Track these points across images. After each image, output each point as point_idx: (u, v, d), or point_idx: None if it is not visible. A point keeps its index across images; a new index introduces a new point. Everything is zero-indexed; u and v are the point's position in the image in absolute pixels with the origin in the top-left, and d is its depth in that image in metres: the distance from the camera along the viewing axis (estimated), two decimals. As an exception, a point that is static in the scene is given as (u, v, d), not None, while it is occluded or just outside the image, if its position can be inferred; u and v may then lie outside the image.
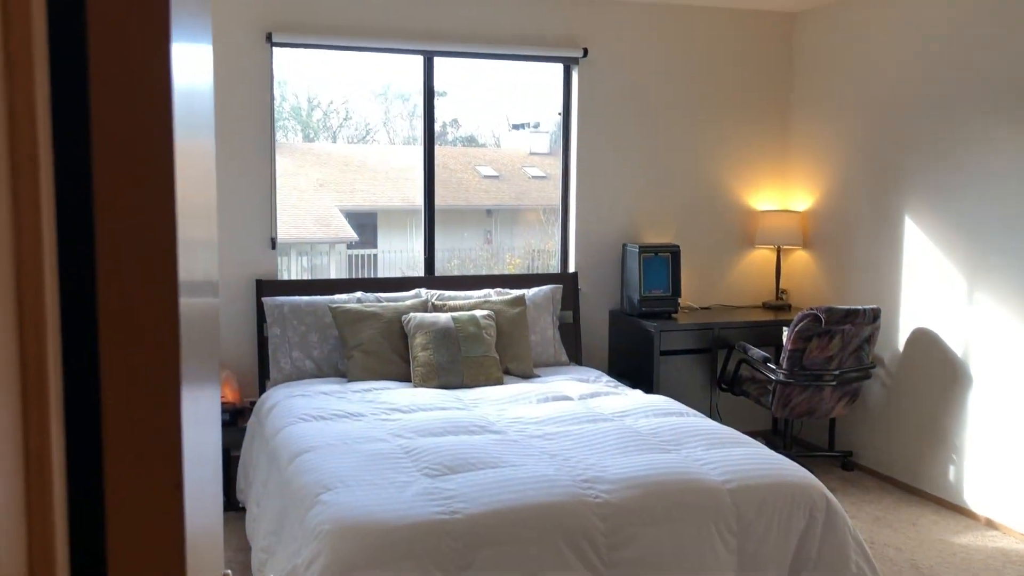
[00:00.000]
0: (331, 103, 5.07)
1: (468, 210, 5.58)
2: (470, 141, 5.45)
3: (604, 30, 5.05)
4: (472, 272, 5.28)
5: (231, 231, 4.48)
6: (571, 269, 5.17)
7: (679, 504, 2.88)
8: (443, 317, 4.33)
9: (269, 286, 4.50)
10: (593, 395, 4.04)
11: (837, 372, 4.50)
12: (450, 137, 5.21)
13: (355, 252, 5.32)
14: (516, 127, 5.51)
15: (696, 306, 5.30)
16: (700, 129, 5.28)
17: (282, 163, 4.77)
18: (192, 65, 0.85)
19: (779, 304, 5.36)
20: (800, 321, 4.40)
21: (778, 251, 5.43)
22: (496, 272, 5.28)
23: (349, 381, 4.21)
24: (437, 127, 4.91)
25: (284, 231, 4.80)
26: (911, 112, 4.52)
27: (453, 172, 5.28)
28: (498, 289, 4.80)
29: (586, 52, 4.99)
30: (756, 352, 4.67)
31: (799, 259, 5.41)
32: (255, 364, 4.51)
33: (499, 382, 4.24)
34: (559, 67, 5.12)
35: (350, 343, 4.28)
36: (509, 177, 5.63)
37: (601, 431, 3.41)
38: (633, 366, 4.95)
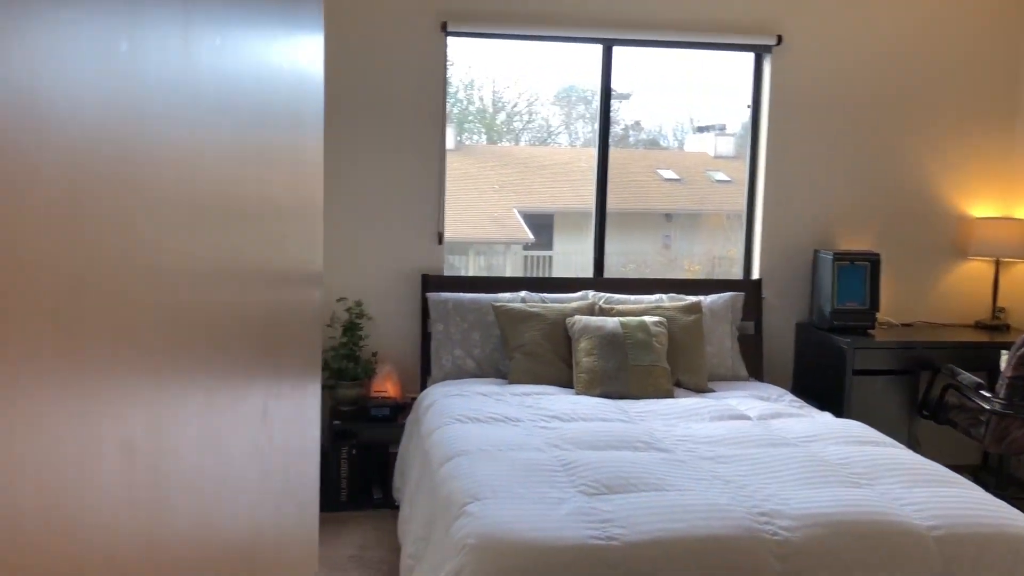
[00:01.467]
0: (515, 105, 5.07)
1: (647, 214, 5.41)
2: (652, 144, 5.30)
3: (801, 14, 4.61)
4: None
5: (398, 224, 4.40)
6: (754, 276, 4.76)
7: (874, 550, 2.47)
8: (610, 322, 4.06)
9: (435, 282, 4.39)
10: (775, 415, 3.64)
11: (1068, 406, 3.86)
12: (631, 140, 5.10)
13: (530, 253, 5.29)
14: (701, 129, 5.28)
15: (895, 322, 4.75)
16: (908, 124, 4.73)
17: (465, 164, 4.77)
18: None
19: (995, 324, 4.71)
20: (1024, 345, 3.81)
21: (996, 264, 4.78)
22: (671, 277, 4.94)
23: (509, 383, 4.02)
24: (619, 130, 4.77)
25: (462, 231, 4.78)
26: None
27: (633, 175, 5.14)
28: (672, 295, 4.47)
29: (780, 39, 4.57)
30: (967, 377, 4.09)
31: (1022, 274, 4.74)
32: (417, 359, 4.40)
33: (668, 395, 3.92)
34: (749, 57, 4.73)
35: (512, 343, 4.09)
36: (691, 181, 5.44)
37: (783, 457, 3.03)
38: (821, 385, 4.48)
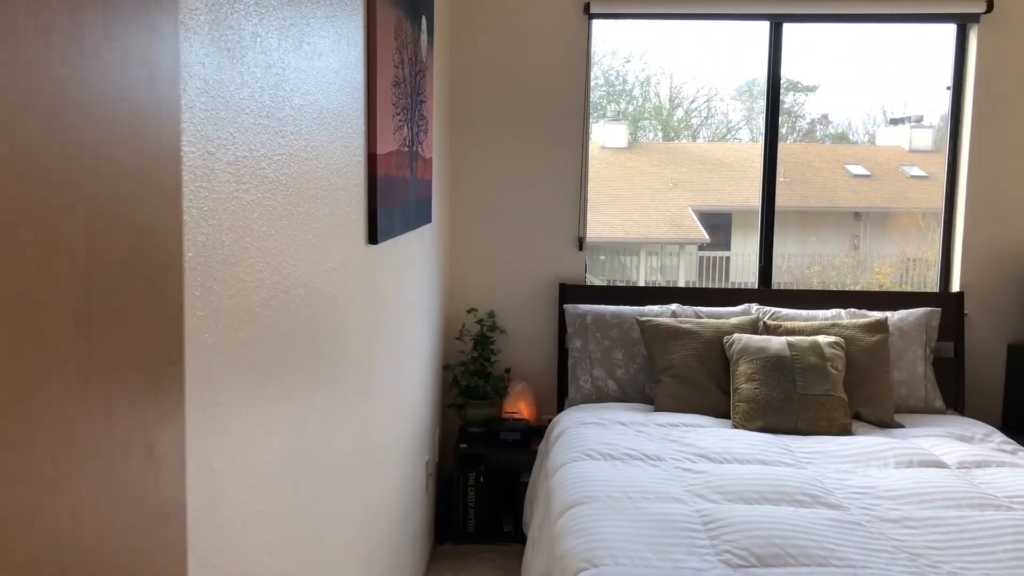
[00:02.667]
0: (693, 101, 4.88)
1: (834, 212, 5.11)
2: (841, 138, 4.96)
3: (1019, -26, 3.83)
4: (832, 284, 4.47)
5: (535, 228, 4.01)
6: (954, 288, 4.02)
7: None
8: (776, 341, 3.48)
9: (573, 292, 3.96)
10: (980, 463, 2.96)
11: None
12: (819, 135, 4.82)
13: (706, 254, 5.10)
14: (894, 121, 4.86)
15: None
16: None
17: (638, 162, 4.64)
18: None
19: None
20: None
21: None
22: (854, 288, 4.28)
23: (655, 410, 3.53)
24: (804, 124, 4.55)
25: (635, 230, 4.65)
26: None
27: (818, 171, 4.87)
28: (852, 310, 3.82)
29: (990, 6, 3.82)
30: None
31: None
32: (554, 378, 3.99)
33: (845, 431, 3.30)
34: (950, 30, 3.99)
35: (659, 365, 3.59)
36: (883, 176, 5.06)
37: (992, 525, 2.39)
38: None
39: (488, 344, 3.90)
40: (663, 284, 4.54)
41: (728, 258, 5.15)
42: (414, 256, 3.06)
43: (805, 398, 3.31)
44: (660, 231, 4.98)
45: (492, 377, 3.87)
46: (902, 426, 3.43)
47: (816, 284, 4.69)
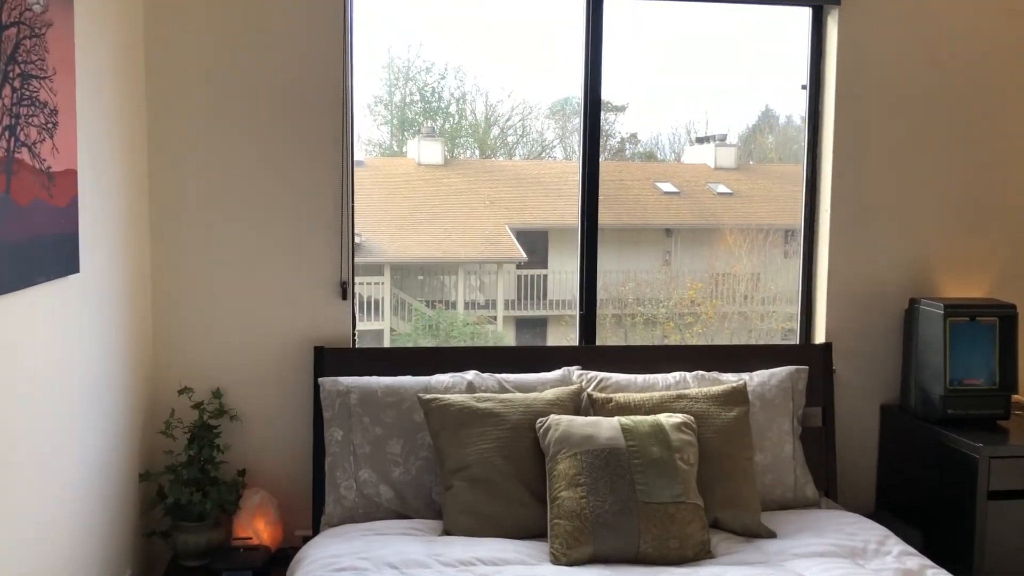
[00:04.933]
0: (508, 120, 4.86)
1: (646, 229, 5.15)
2: (649, 157, 5.05)
3: (886, -53, 3.11)
4: (647, 301, 4.48)
5: (278, 273, 2.88)
6: (818, 338, 3.23)
7: None
8: (606, 426, 2.52)
9: (335, 358, 2.86)
10: (890, 600, 2.10)
11: None
12: (628, 153, 4.90)
13: (525, 272, 5.02)
14: (700, 140, 4.94)
15: (1028, 402, 3.22)
16: (1041, 112, 3.22)
17: (456, 180, 4.63)
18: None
19: None
20: None
21: None
22: (698, 342, 3.42)
23: (445, 531, 2.49)
24: (615, 143, 4.60)
25: (452, 250, 4.60)
26: None
27: (630, 188, 4.96)
28: (699, 373, 2.93)
29: (852, -13, 3.08)
30: None
31: None
32: (310, 481, 2.85)
33: (703, 552, 2.39)
34: (804, 14, 3.23)
35: (450, 463, 2.55)
36: (691, 193, 5.18)
37: None
38: (930, 510, 2.94)
39: (211, 438, 2.73)
40: (463, 345, 3.53)
41: (546, 276, 5.00)
42: (40, 325, 1.89)
43: (649, 508, 2.37)
44: (477, 250, 4.82)
45: (218, 485, 2.70)
46: (773, 534, 2.55)
47: (631, 301, 4.78)
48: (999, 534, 2.73)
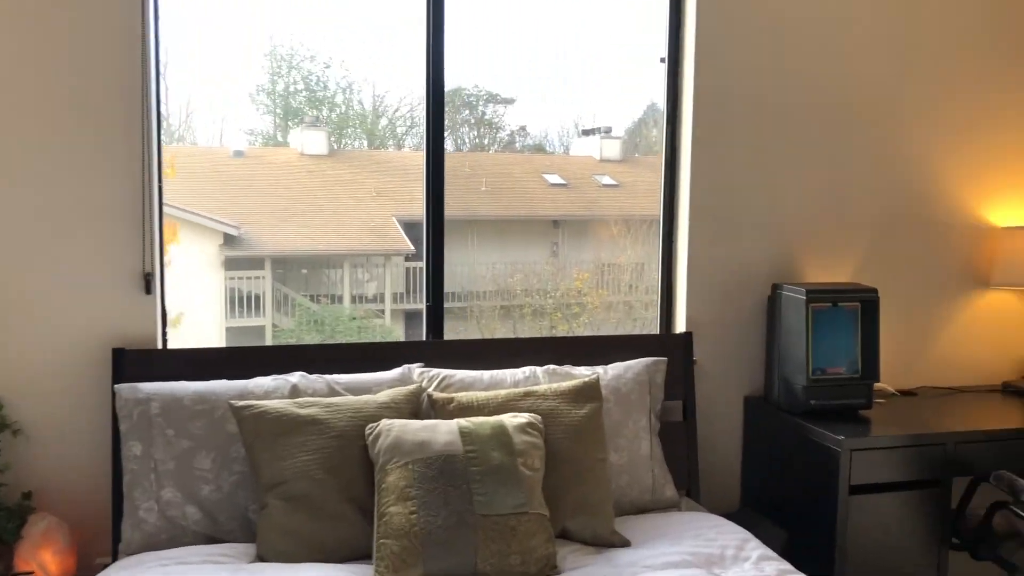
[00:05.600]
0: (396, 110, 4.76)
1: (534, 220, 5.14)
2: (538, 149, 5.08)
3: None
4: (535, 292, 4.50)
5: (69, 265, 2.50)
6: (679, 327, 3.06)
7: None
8: (444, 430, 2.26)
9: (136, 362, 2.50)
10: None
11: None
12: (518, 145, 4.92)
13: (413, 264, 4.84)
14: (586, 132, 4.90)
15: (892, 390, 3.13)
16: (905, 106, 3.12)
17: (342, 171, 4.51)
18: None
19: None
20: None
21: (1032, 297, 3.22)
22: (557, 332, 3.21)
23: (258, 557, 2.18)
24: (504, 135, 4.66)
25: (337, 242, 4.44)
26: None
27: (518, 180, 4.98)
28: (551, 367, 2.70)
29: (710, -46, 2.89)
30: (1039, 497, 2.47)
31: (1068, 311, 3.19)
32: (107, 505, 2.48)
33: (549, 569, 2.15)
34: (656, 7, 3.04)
35: (266, 478, 2.24)
36: (578, 185, 5.16)
37: None
38: (794, 506, 2.80)
39: (-14, 457, 2.34)
40: (291, 344, 3.21)
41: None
42: None
43: (487, 522, 2.11)
44: (364, 242, 4.68)
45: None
46: (627, 543, 2.34)
47: (519, 292, 4.73)
48: (862, 530, 2.61)
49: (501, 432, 2.27)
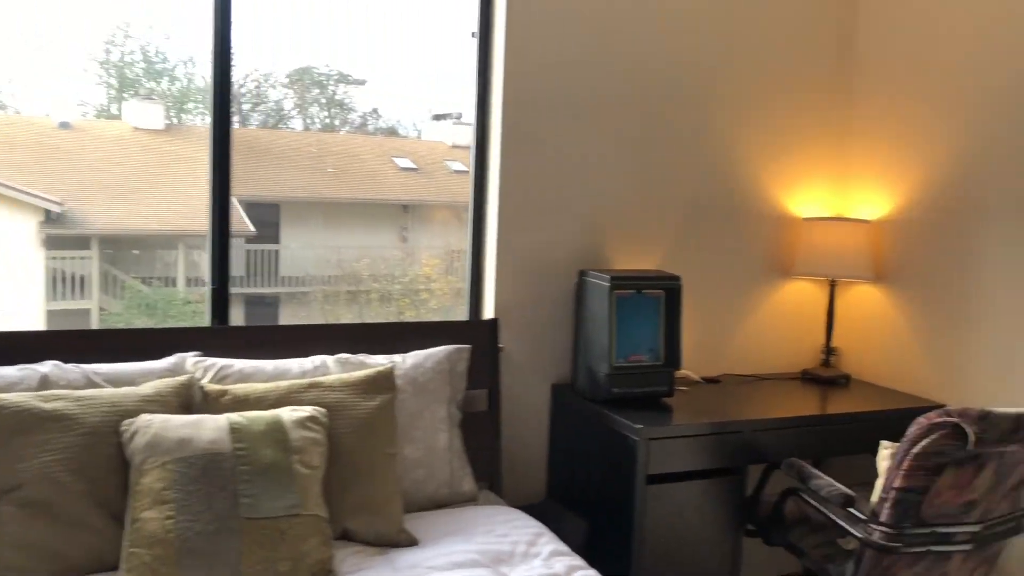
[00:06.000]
0: (243, 86, 4.58)
1: (383, 205, 5.17)
2: (391, 132, 5.13)
3: None
4: (383, 278, 4.61)
5: None
6: (487, 314, 2.95)
7: None
8: (211, 425, 2.05)
9: None
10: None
11: (978, 527, 2.38)
12: (371, 128, 4.97)
13: (255, 247, 4.84)
14: (437, 117, 4.96)
15: (696, 377, 3.14)
16: (717, 92, 3.12)
17: (180, 147, 4.31)
18: None
19: (829, 376, 3.23)
20: (925, 436, 2.26)
21: (831, 286, 3.31)
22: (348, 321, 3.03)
23: (-15, 573, 1.92)
24: (356, 116, 4.70)
25: (173, 221, 4.29)
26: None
27: (366, 163, 4.99)
28: (343, 356, 2.53)
29: (521, -73, 2.78)
30: (825, 484, 2.51)
31: (865, 300, 3.30)
32: None
33: (323, 574, 1.99)
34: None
35: (0, 482, 1.97)
36: (429, 170, 5.26)
37: None
38: (593, 493, 2.75)
39: None
40: (44, 330, 2.90)
41: (278, 251, 4.88)
42: None
43: (254, 526, 1.93)
44: (201, 222, 4.21)
45: None
46: (415, 542, 2.21)
47: (367, 278, 4.69)
48: (660, 519, 2.59)
49: (276, 427, 2.09)
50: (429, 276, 4.80)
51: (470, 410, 2.73)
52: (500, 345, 2.85)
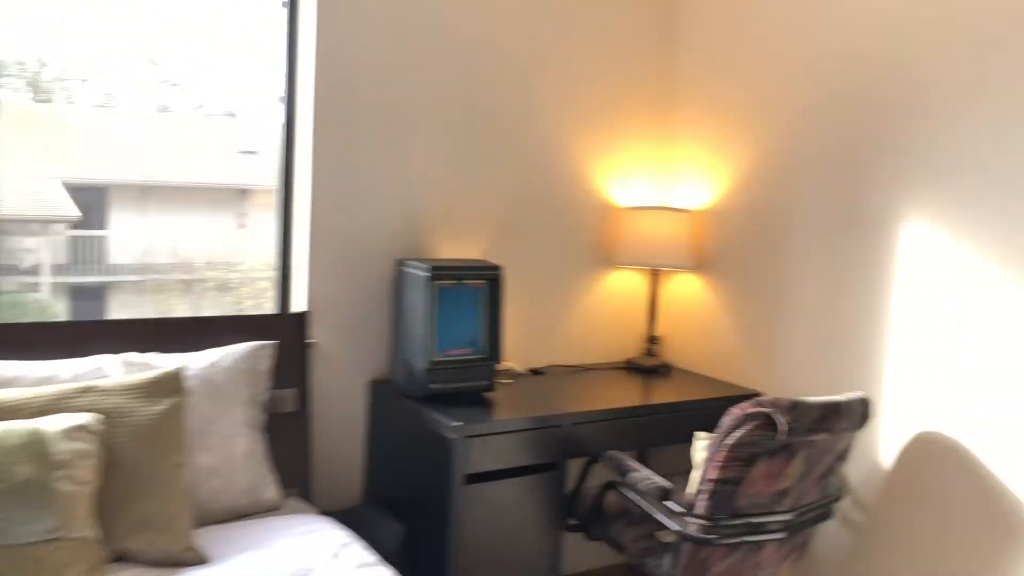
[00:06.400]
0: (70, 60, 4.04)
1: (220, 189, 4.78)
2: (230, 114, 4.55)
3: None
4: (220, 267, 3.89)
5: None
6: (297, 306, 2.75)
7: None
8: (-46, 440, 1.77)
9: None
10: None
11: (790, 515, 2.41)
12: (208, 109, 4.36)
13: (80, 233, 4.41)
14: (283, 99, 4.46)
15: (520, 369, 3.05)
16: (539, 78, 3.03)
17: None
18: None
19: (652, 365, 3.22)
20: (738, 426, 2.25)
21: (653, 275, 3.30)
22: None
23: None
24: (190, 97, 4.09)
25: None
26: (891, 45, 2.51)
27: (200, 144, 4.51)
28: (128, 355, 2.28)
29: None
30: (642, 477, 2.48)
31: (686, 289, 3.31)
32: None
33: (87, 605, 1.76)
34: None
35: None
36: (268, 154, 4.69)
37: None
38: (414, 499, 2.61)
39: None
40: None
41: (105, 238, 4.41)
42: None
43: (5, 555, 1.67)
44: (18, 206, 4.11)
45: None
46: (203, 560, 2.00)
47: (203, 266, 4.23)
48: (479, 519, 2.48)
49: (35, 440, 1.82)
50: (270, 264, 4.60)
51: (278, 411, 2.54)
52: (311, 340, 2.66)
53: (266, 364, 2.44)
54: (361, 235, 2.76)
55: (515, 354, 3.03)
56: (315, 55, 2.64)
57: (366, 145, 2.73)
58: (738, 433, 2.25)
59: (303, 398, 2.60)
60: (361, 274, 2.77)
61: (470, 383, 2.66)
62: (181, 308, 4.44)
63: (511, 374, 2.98)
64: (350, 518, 2.54)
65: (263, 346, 2.45)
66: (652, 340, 3.29)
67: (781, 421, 2.21)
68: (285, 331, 2.58)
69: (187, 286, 4.75)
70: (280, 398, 2.55)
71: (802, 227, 2.84)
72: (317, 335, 2.69)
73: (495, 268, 2.69)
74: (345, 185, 2.72)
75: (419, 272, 2.61)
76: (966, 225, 2.41)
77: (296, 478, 2.53)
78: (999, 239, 2.33)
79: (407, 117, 2.79)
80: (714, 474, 2.28)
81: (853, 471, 2.70)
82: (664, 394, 2.93)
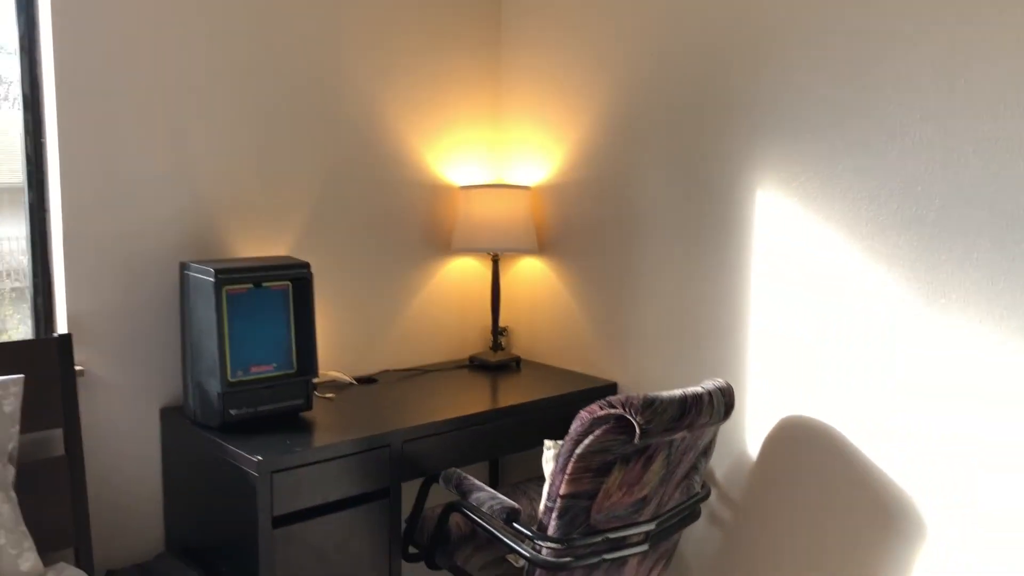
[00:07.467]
0: None
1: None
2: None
3: None
4: (15, 276, 3.52)
5: None
6: (60, 327, 2.26)
7: None
8: None
9: None
10: None
11: (652, 524, 2.13)
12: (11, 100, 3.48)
13: None
14: None
15: (348, 378, 2.66)
16: (348, 54, 2.62)
17: None
18: None
19: (499, 361, 2.89)
20: (588, 432, 1.94)
21: (494, 260, 2.96)
22: None
23: None
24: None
25: None
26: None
27: (12, 140, 3.59)
28: None
29: None
30: (487, 497, 2.14)
31: (531, 274, 3.00)
32: None
33: None
34: None
35: None
36: None
37: None
38: (219, 545, 2.19)
39: None
40: None
41: None
42: None
43: None
44: None
45: None
46: (-90, 676, 1.53)
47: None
48: (295, 564, 2.08)
49: None
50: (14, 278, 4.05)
51: (40, 457, 2.06)
52: (78, 367, 2.19)
53: (13, 404, 1.96)
54: (135, 237, 2.29)
55: (340, 362, 2.64)
56: (51, 34, 2.15)
57: (134, 130, 2.27)
58: (588, 440, 1.94)
59: (72, 439, 2.13)
60: (138, 283, 2.30)
61: (279, 404, 2.25)
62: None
63: (336, 386, 2.59)
64: (144, 574, 2.11)
65: (8, 381, 1.96)
66: (498, 333, 2.96)
67: (635, 422, 1.92)
68: (40, 360, 2.09)
69: (19, 294, 4.11)
70: (41, 442, 2.07)
71: (648, 199, 2.57)
72: (86, 360, 2.22)
73: (301, 266, 2.28)
74: (108, 178, 2.24)
75: (204, 276, 2.17)
76: (819, 187, 2.17)
77: (70, 536, 2.07)
78: (847, 207, 2.11)
79: (188, 96, 2.34)
80: (564, 489, 1.97)
81: (717, 464, 2.45)
82: (512, 394, 2.60)
